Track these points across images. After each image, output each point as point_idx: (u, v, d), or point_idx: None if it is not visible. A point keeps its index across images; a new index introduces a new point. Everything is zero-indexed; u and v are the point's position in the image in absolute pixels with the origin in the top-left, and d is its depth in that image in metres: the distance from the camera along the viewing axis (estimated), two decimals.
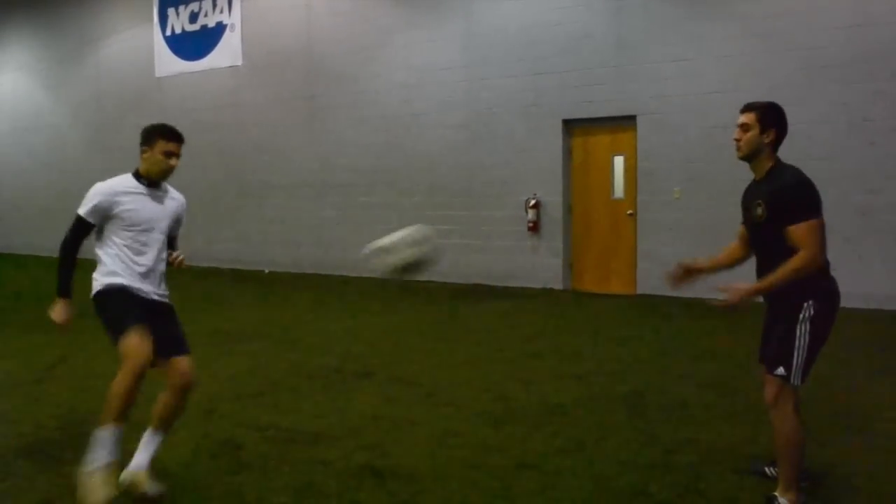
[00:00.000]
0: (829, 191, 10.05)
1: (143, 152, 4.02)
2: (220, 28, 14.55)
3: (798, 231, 3.44)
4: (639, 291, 10.41)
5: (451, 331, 8.29)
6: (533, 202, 11.06)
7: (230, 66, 14.47)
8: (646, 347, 7.29)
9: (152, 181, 4.03)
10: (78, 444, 4.67)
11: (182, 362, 3.98)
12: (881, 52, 8.76)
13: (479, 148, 11.67)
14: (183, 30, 15.16)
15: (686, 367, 6.43)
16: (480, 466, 4.24)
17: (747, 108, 3.68)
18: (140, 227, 3.97)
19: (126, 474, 3.85)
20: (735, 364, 6.42)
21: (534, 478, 4.07)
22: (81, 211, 3.99)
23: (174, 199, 4.19)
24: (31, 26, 18.12)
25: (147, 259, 3.99)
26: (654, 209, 10.27)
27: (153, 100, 15.69)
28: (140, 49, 15.89)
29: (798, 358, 3.50)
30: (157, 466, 4.26)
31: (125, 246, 3.95)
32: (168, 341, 3.96)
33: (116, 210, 3.93)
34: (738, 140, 3.68)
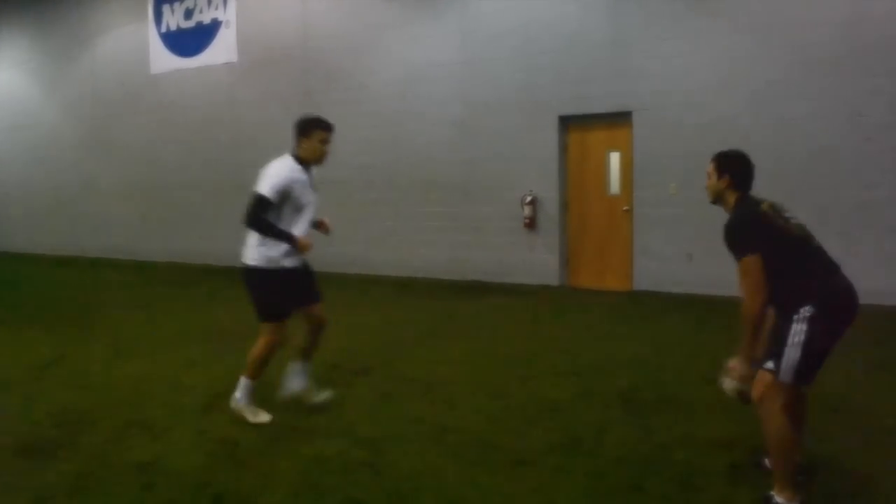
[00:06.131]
0: (824, 186, 10.03)
1: (300, 142, 4.93)
2: (215, 25, 14.50)
3: (738, 271, 3.65)
4: (635, 287, 10.42)
5: (448, 327, 8.28)
6: (529, 198, 11.05)
7: (226, 63, 14.42)
8: (642, 344, 7.28)
9: (308, 165, 4.97)
10: (73, 443, 4.68)
11: (317, 308, 5.11)
12: (876, 48, 8.76)
13: (475, 144, 11.66)
14: (178, 26, 15.11)
15: (682, 363, 6.43)
16: (478, 463, 4.24)
17: (712, 158, 3.98)
18: (303, 205, 4.87)
19: (294, 393, 5.23)
20: (729, 359, 6.42)
21: (530, 474, 4.07)
22: (264, 191, 4.75)
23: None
24: (26, 23, 18.04)
25: (302, 230, 4.88)
26: (651, 205, 10.27)
27: (148, 96, 15.64)
28: (135, 46, 15.83)
29: (791, 355, 3.50)
30: (154, 464, 4.27)
31: (289, 221, 4.83)
32: (307, 295, 5.06)
33: (291, 191, 4.78)
34: (707, 188, 3.99)
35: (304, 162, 4.94)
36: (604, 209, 10.80)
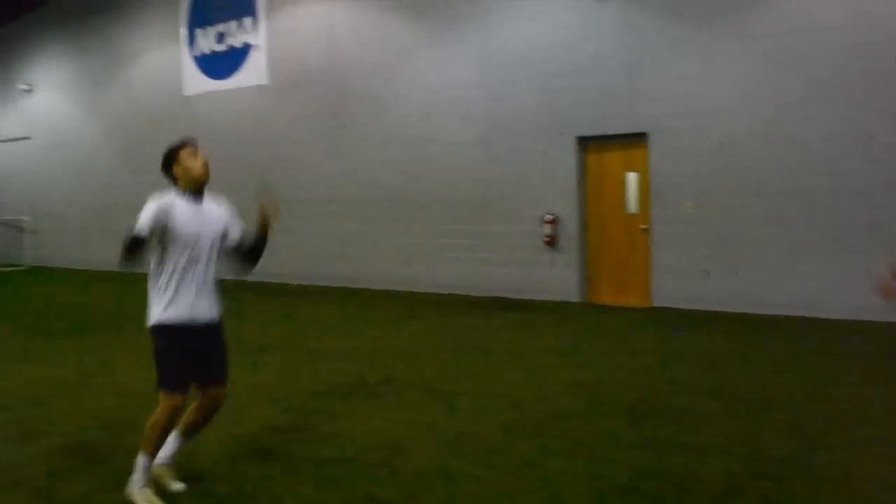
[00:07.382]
0: (834, 205, 10.20)
1: (173, 173, 4.22)
2: (246, 48, 15.06)
3: None
4: (654, 304, 10.67)
5: (469, 341, 8.61)
6: (549, 217, 11.37)
7: (257, 85, 14.96)
8: (655, 358, 7.56)
9: (195, 193, 4.21)
10: (117, 444, 5.09)
11: (217, 390, 4.39)
12: (883, 71, 9.01)
13: (496, 164, 12.02)
14: (211, 50, 15.70)
15: (692, 376, 6.69)
16: (487, 466, 4.57)
17: None
18: (188, 241, 4.10)
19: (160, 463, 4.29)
20: (739, 374, 6.71)
21: (535, 476, 4.39)
22: (135, 227, 3.92)
23: (216, 206, 4.39)
24: (65, 46, 18.82)
25: (193, 277, 4.21)
26: (667, 223, 10.54)
27: (182, 117, 16.22)
28: (169, 68, 16.48)
29: None
30: (195, 463, 4.64)
31: (178, 263, 4.11)
32: (209, 372, 4.35)
33: (169, 222, 4.01)
34: None
35: (187, 191, 4.20)
36: (622, 227, 11.10)
